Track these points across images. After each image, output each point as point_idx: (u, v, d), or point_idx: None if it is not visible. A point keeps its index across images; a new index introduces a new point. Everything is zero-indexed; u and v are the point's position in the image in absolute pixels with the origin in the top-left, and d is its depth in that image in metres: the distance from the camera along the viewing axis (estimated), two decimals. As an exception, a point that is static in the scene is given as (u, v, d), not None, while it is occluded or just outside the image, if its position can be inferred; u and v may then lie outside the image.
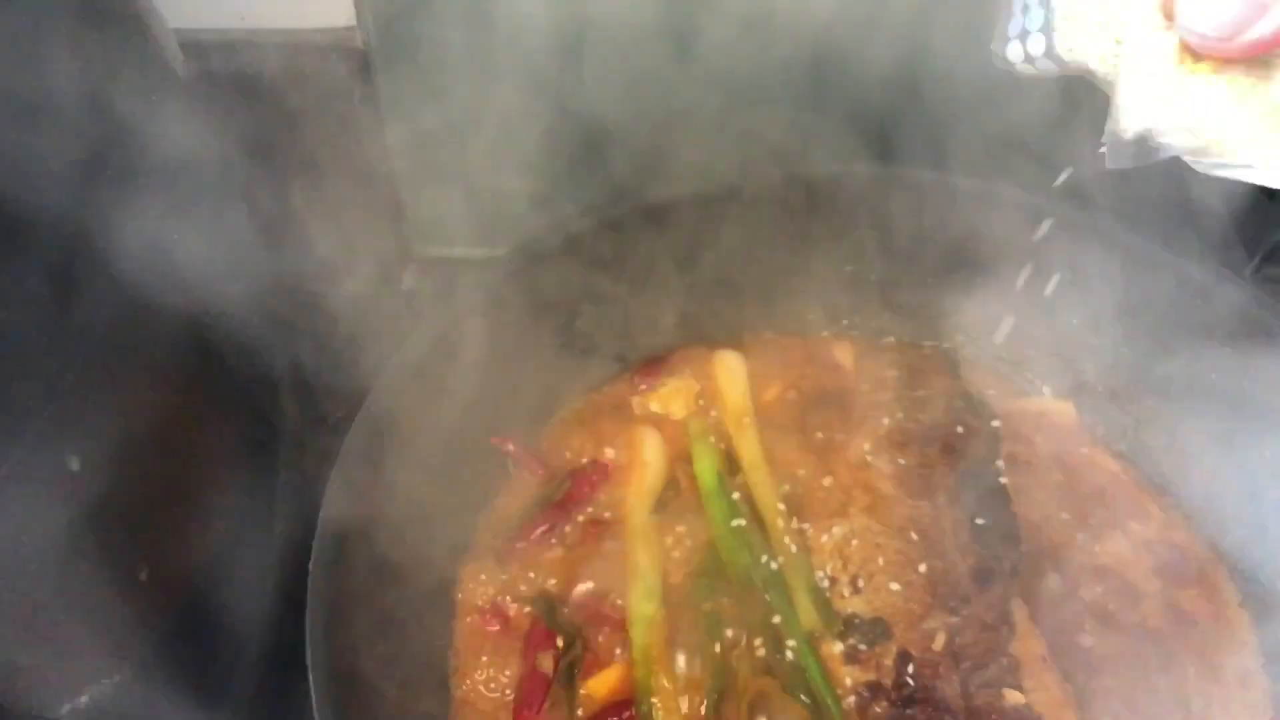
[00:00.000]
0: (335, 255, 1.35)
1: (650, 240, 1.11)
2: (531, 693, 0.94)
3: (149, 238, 0.68)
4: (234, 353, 0.86)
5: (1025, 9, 0.74)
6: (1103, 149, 0.71)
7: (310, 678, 0.78)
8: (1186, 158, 0.67)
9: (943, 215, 1.10)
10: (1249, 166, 0.65)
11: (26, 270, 0.57)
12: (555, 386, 1.14)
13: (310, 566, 0.82)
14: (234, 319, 0.85)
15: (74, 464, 0.61)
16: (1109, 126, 0.70)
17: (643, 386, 1.15)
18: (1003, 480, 1.02)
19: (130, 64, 0.72)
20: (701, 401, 1.14)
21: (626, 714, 0.92)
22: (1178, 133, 0.66)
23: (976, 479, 1.02)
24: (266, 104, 1.20)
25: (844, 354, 1.18)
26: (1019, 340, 1.16)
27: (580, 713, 0.93)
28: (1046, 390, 1.14)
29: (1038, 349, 1.15)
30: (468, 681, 0.95)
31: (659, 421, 1.12)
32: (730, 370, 1.14)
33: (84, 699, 0.69)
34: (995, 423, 1.07)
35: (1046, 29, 0.72)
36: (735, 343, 1.18)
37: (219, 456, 0.82)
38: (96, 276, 0.63)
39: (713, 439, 1.09)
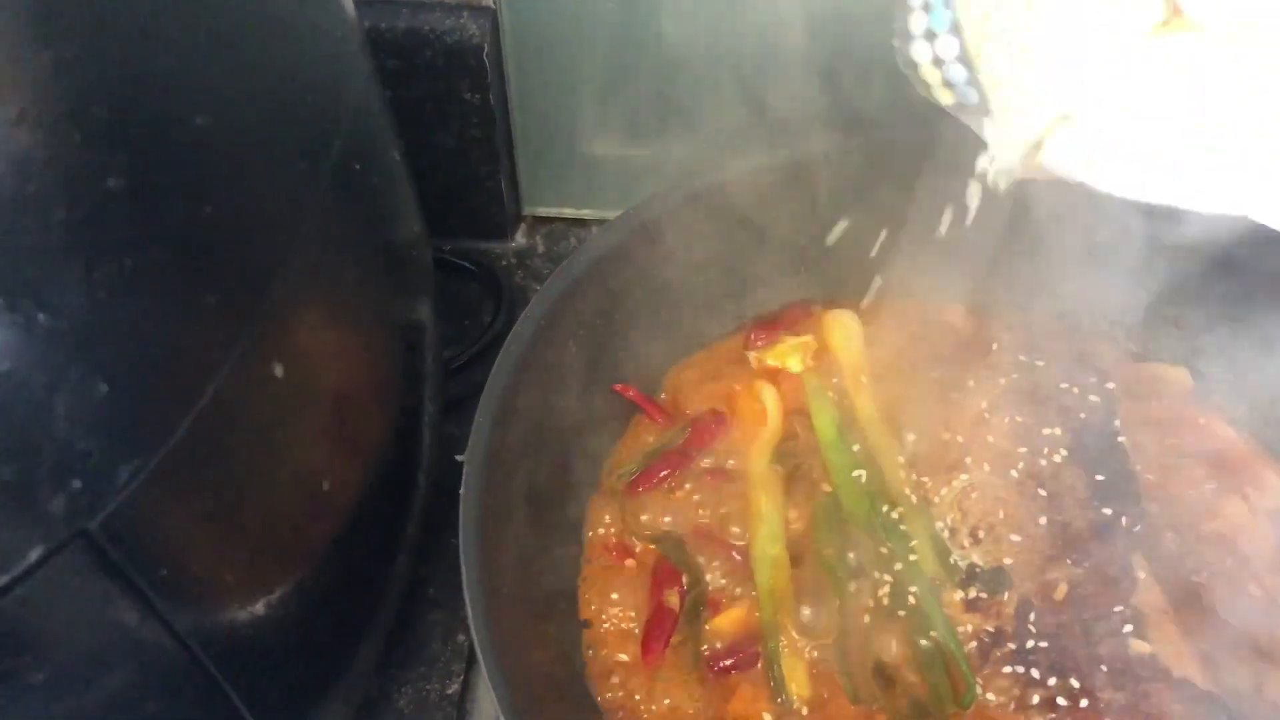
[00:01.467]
0: (456, 212, 1.40)
1: (762, 201, 1.14)
2: (659, 626, 0.97)
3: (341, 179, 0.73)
4: (395, 291, 0.90)
5: (928, 6, 0.67)
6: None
7: (466, 595, 0.82)
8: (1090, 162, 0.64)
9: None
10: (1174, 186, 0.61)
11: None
12: (675, 340, 1.17)
13: (462, 488, 0.86)
14: (391, 256, 0.90)
15: (279, 371, 0.64)
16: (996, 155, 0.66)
17: (759, 343, 1.18)
18: (1121, 439, 1.04)
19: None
20: (818, 358, 1.16)
21: (752, 649, 0.95)
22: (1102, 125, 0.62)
23: (1095, 437, 1.04)
24: (399, 60, 1.24)
25: (957, 317, 1.19)
26: (1132, 306, 1.16)
27: (705, 649, 0.96)
28: (1162, 355, 1.15)
29: (1153, 316, 1.15)
30: (597, 614, 0.99)
31: (775, 376, 1.15)
32: (845, 328, 1.17)
33: (262, 603, 0.72)
34: (1110, 385, 1.09)
35: (957, 30, 0.65)
36: (850, 304, 1.20)
37: (385, 388, 0.86)
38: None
39: (830, 394, 1.11)
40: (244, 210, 0.62)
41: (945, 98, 0.71)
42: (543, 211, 1.47)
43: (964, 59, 0.66)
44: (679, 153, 1.35)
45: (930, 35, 0.67)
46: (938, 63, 0.67)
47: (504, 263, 1.43)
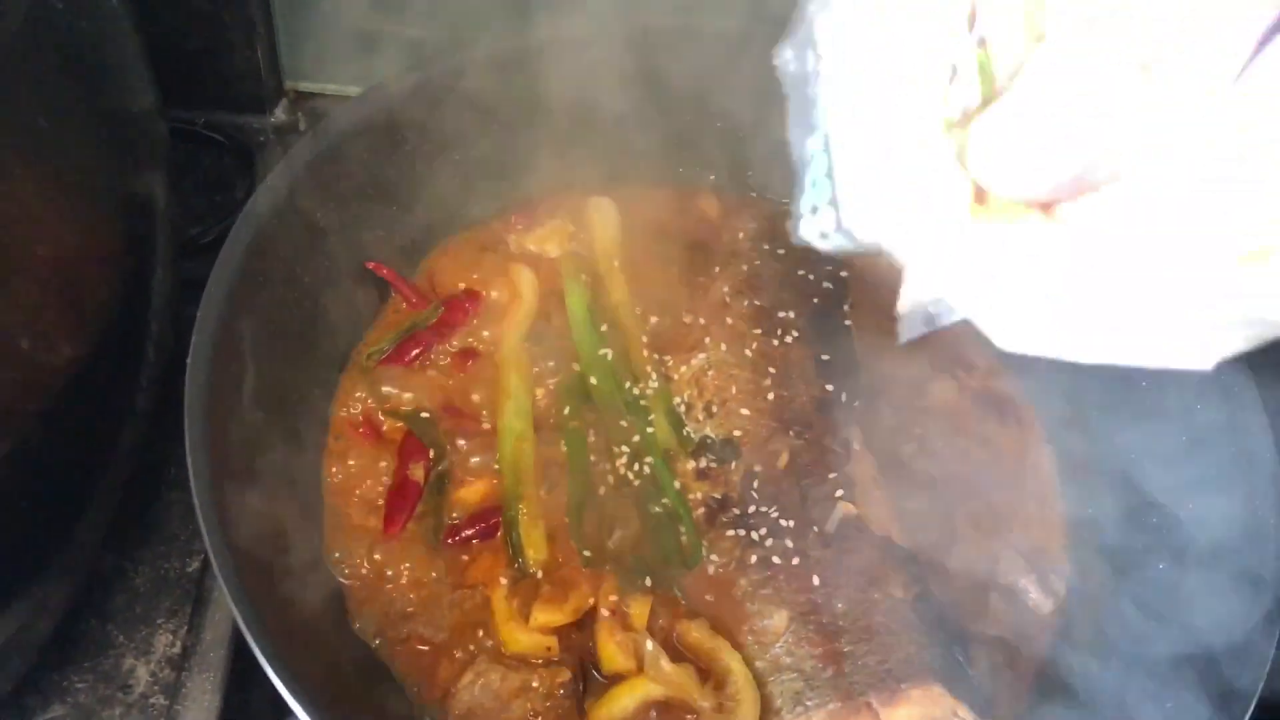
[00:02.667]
0: (210, 82, 1.33)
1: (527, 83, 1.14)
2: (402, 500, 0.98)
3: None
4: (117, 155, 0.85)
5: (814, 183, 0.68)
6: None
7: (189, 465, 0.81)
8: (976, 322, 0.64)
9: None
10: (1036, 335, 0.62)
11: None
12: (434, 221, 1.17)
13: (189, 355, 0.85)
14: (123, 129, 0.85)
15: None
16: (902, 299, 0.66)
17: (519, 226, 1.19)
18: (847, 323, 1.11)
19: None
20: (575, 244, 1.18)
21: (493, 520, 0.98)
22: (968, 291, 0.63)
23: (824, 320, 1.11)
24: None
25: (710, 206, 1.24)
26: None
27: (450, 520, 0.98)
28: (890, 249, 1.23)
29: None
30: (341, 486, 1.00)
31: (534, 260, 1.17)
32: (603, 214, 1.19)
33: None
34: (844, 273, 1.16)
35: (835, 203, 0.66)
36: (608, 190, 1.22)
37: (99, 251, 0.82)
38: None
39: (584, 277, 1.14)
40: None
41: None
42: (305, 87, 1.41)
43: (842, 230, 0.66)
44: (448, 29, 1.32)
45: (814, 210, 0.68)
46: (824, 237, 0.68)
47: (262, 138, 1.37)
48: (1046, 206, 0.60)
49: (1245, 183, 0.54)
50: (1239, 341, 0.56)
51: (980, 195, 0.61)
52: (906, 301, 0.67)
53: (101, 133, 0.84)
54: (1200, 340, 0.57)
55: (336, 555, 0.96)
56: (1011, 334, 0.62)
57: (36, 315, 0.73)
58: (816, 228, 0.69)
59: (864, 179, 0.64)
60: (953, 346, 1.16)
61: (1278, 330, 0.56)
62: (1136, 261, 0.58)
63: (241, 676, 0.98)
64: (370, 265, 1.10)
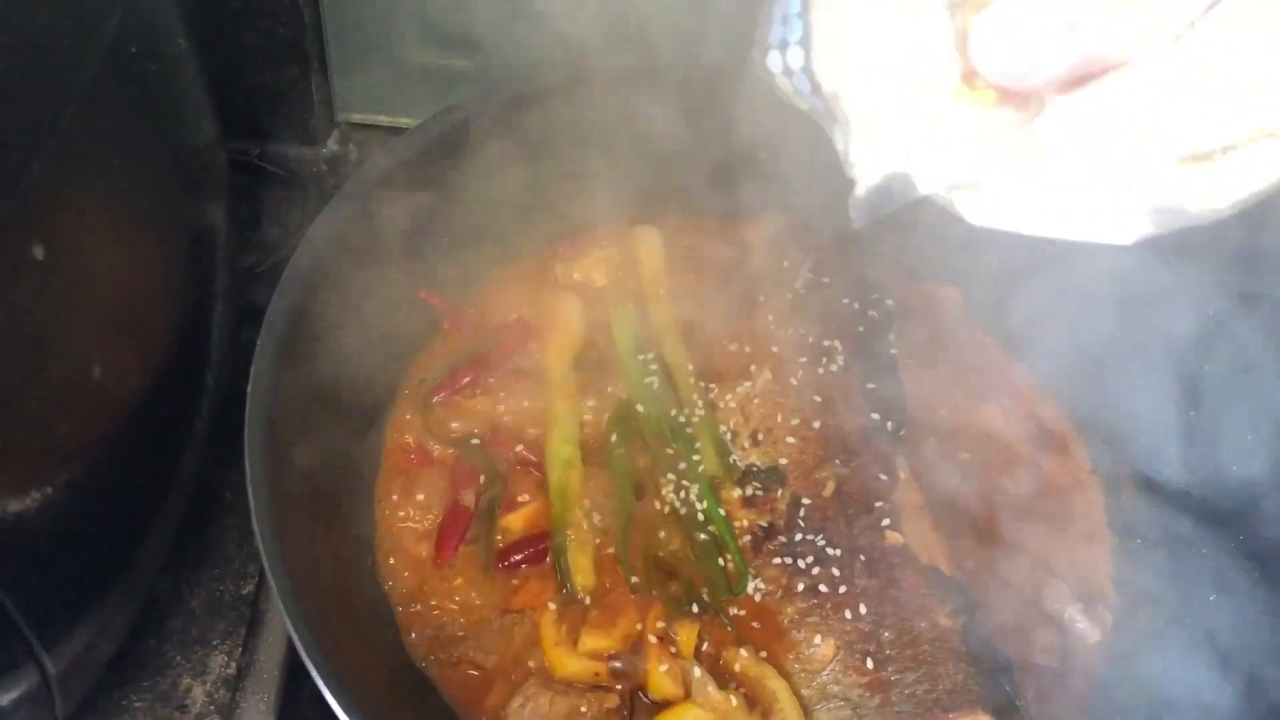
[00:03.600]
0: (264, 115, 1.36)
1: (574, 115, 1.16)
2: (453, 525, 1.00)
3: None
4: (182, 188, 0.88)
5: (785, 19, 0.70)
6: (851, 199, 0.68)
7: (250, 492, 0.83)
8: (942, 198, 0.66)
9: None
10: (1007, 210, 0.65)
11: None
12: (483, 251, 1.19)
13: (249, 385, 0.87)
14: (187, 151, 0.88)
15: (39, 253, 0.63)
16: (863, 178, 0.67)
17: (566, 256, 1.21)
18: (893, 351, 1.12)
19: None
20: (621, 273, 1.20)
21: (541, 546, 0.99)
22: (944, 165, 0.64)
23: (870, 349, 1.11)
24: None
25: (754, 235, 1.25)
26: (914, 230, 1.24)
27: (499, 544, 1.00)
28: (936, 276, 1.24)
29: (930, 239, 1.23)
30: (393, 512, 1.01)
31: (581, 289, 1.18)
32: (648, 243, 1.21)
33: (31, 499, 0.71)
34: (889, 301, 1.17)
35: (805, 43, 0.68)
36: (654, 220, 1.24)
37: (164, 282, 0.85)
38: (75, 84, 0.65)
39: (630, 306, 1.15)
40: (-1, 82, 0.61)
41: (800, 104, 0.74)
42: (357, 118, 1.45)
43: (808, 70, 0.68)
44: (497, 64, 1.35)
45: (784, 45, 0.70)
46: (788, 72, 0.69)
47: (315, 169, 1.40)
48: (1026, 97, 0.63)
49: (1202, 94, 0.59)
50: (1151, 226, 0.63)
51: (970, 79, 0.64)
52: (868, 176, 0.68)
53: (168, 168, 0.87)
54: (1125, 222, 0.63)
55: (389, 581, 0.98)
56: (978, 210, 0.66)
57: (107, 345, 0.75)
58: (781, 63, 0.70)
59: (848, 35, 0.66)
60: (998, 374, 1.16)
61: (1186, 221, 0.62)
62: (1097, 151, 0.62)
63: (294, 697, 1.00)
64: (422, 294, 1.12)
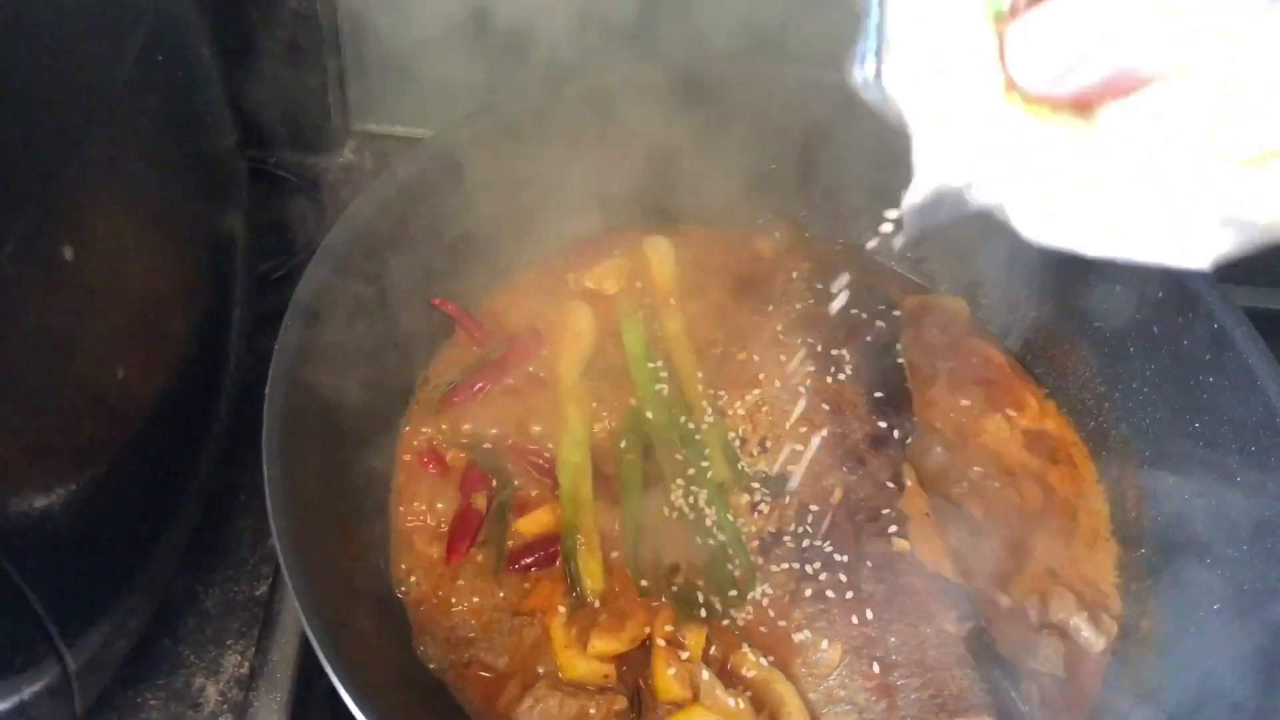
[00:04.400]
0: (280, 123, 1.38)
1: (586, 126, 1.18)
2: (464, 528, 1.01)
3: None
4: (204, 195, 0.90)
5: (867, 32, 0.69)
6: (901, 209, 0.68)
7: (267, 495, 0.84)
8: (998, 211, 0.65)
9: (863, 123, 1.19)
10: (1067, 226, 0.63)
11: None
12: (496, 259, 1.21)
13: (267, 389, 0.88)
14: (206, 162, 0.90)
15: (68, 254, 0.65)
16: (916, 186, 0.66)
17: (578, 264, 1.22)
18: (900, 360, 1.13)
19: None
20: (632, 281, 1.22)
21: (552, 549, 1.00)
22: (999, 177, 0.63)
23: (877, 358, 1.13)
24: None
25: (763, 246, 1.27)
26: (922, 241, 1.26)
27: (510, 546, 1.01)
28: (943, 287, 1.25)
29: (938, 250, 1.25)
30: (406, 515, 1.03)
31: (592, 297, 1.20)
32: (660, 253, 1.23)
33: (57, 495, 0.73)
34: (896, 312, 1.18)
35: (878, 54, 0.67)
36: (665, 230, 1.25)
37: (186, 286, 0.87)
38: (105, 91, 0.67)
39: (640, 314, 1.17)
40: (33, 90, 0.62)
41: (887, 115, 0.74)
42: (372, 128, 1.47)
43: (879, 79, 0.69)
44: (509, 75, 1.37)
45: (863, 57, 0.71)
46: (865, 83, 0.68)
47: (331, 178, 1.42)
48: (1079, 105, 0.62)
49: (1261, 90, 0.57)
50: (1230, 244, 0.60)
51: (1011, 88, 0.63)
52: (923, 185, 0.66)
53: (191, 174, 0.89)
54: (1199, 240, 0.61)
55: (401, 584, 0.99)
56: (1034, 224, 0.64)
57: (131, 346, 0.77)
58: (862, 75, 0.69)
59: (907, 44, 0.65)
60: (1004, 386, 1.18)
61: (1257, 235, 0.59)
62: (1154, 158, 0.60)
63: (306, 696, 1.01)
64: (435, 302, 1.14)
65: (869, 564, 0.99)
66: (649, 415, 1.08)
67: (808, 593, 0.98)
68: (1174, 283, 1.04)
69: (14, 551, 0.68)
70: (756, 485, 1.05)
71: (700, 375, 1.12)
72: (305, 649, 1.01)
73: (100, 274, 0.70)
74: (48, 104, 0.63)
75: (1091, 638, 1.00)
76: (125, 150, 0.72)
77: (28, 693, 0.74)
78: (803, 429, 1.07)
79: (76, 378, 0.72)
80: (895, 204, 1.20)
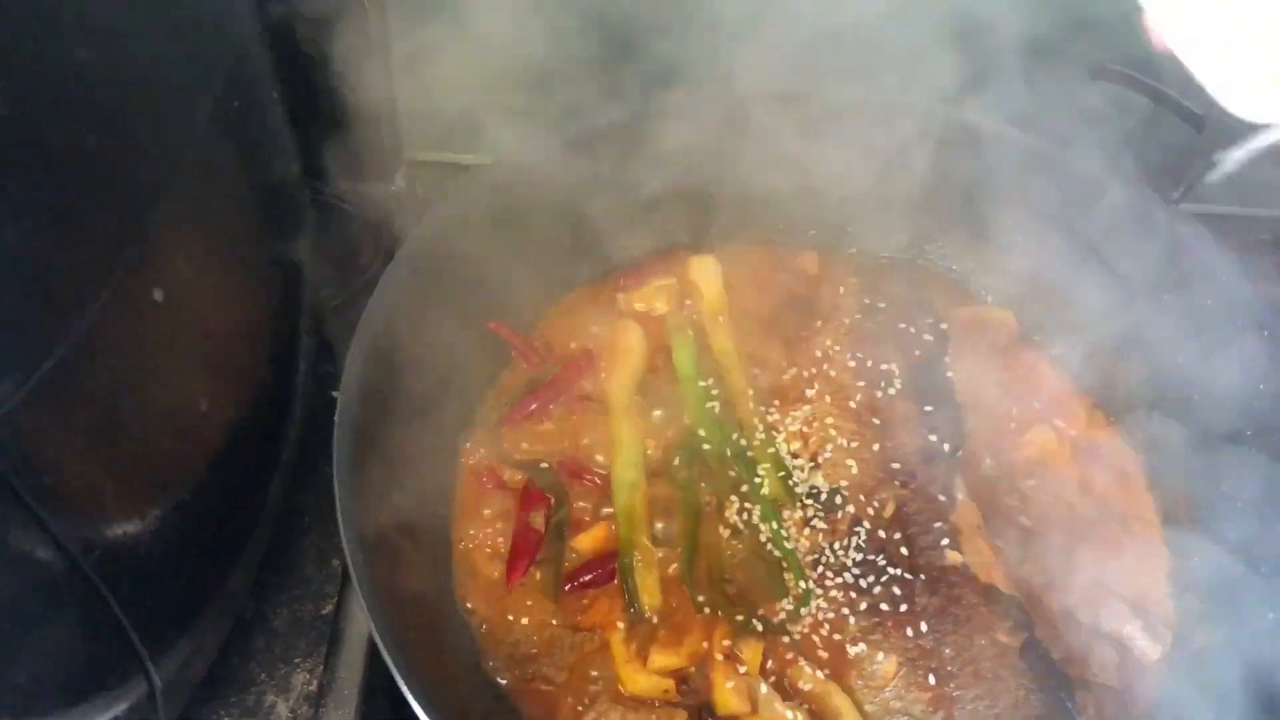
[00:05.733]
0: (336, 152, 1.42)
1: (634, 150, 1.21)
2: (524, 546, 1.04)
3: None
4: (272, 228, 0.94)
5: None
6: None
7: (340, 519, 0.87)
8: None
9: (905, 140, 1.21)
10: None
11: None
12: (549, 283, 1.24)
13: (336, 416, 0.92)
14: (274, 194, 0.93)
15: (159, 295, 0.69)
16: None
17: (627, 285, 1.25)
18: (949, 375, 1.15)
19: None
20: (681, 300, 1.24)
21: (609, 566, 1.03)
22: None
23: (925, 372, 1.14)
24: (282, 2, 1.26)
25: (810, 262, 1.28)
26: (967, 254, 1.27)
27: (568, 564, 1.04)
28: (990, 299, 1.26)
29: (982, 264, 1.27)
30: (467, 534, 1.06)
31: (642, 317, 1.23)
32: (707, 272, 1.25)
33: (145, 521, 0.76)
34: (944, 325, 1.20)
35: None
36: (712, 249, 1.28)
37: (259, 318, 0.90)
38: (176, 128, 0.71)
39: (690, 333, 1.19)
40: (126, 141, 0.66)
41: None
42: (425, 156, 1.50)
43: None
44: (559, 101, 1.40)
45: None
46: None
47: (384, 206, 1.45)
48: None
49: None
50: None
51: None
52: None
53: (260, 207, 0.93)
54: None
55: (466, 601, 1.02)
56: None
57: (212, 379, 0.81)
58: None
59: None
60: (1053, 397, 1.18)
61: None
62: None
63: (373, 712, 1.04)
64: (492, 326, 1.17)
65: (922, 577, 1.01)
66: (701, 433, 1.11)
67: (862, 606, 1.00)
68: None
69: (109, 578, 0.71)
70: (809, 501, 1.06)
71: (750, 392, 1.14)
72: (371, 667, 1.04)
73: (186, 312, 0.74)
74: (138, 153, 0.67)
75: (1147, 647, 1.01)
76: (205, 191, 0.76)
77: (119, 709, 0.78)
78: (854, 444, 1.08)
79: (165, 412, 0.75)
80: (936, 217, 1.22)
